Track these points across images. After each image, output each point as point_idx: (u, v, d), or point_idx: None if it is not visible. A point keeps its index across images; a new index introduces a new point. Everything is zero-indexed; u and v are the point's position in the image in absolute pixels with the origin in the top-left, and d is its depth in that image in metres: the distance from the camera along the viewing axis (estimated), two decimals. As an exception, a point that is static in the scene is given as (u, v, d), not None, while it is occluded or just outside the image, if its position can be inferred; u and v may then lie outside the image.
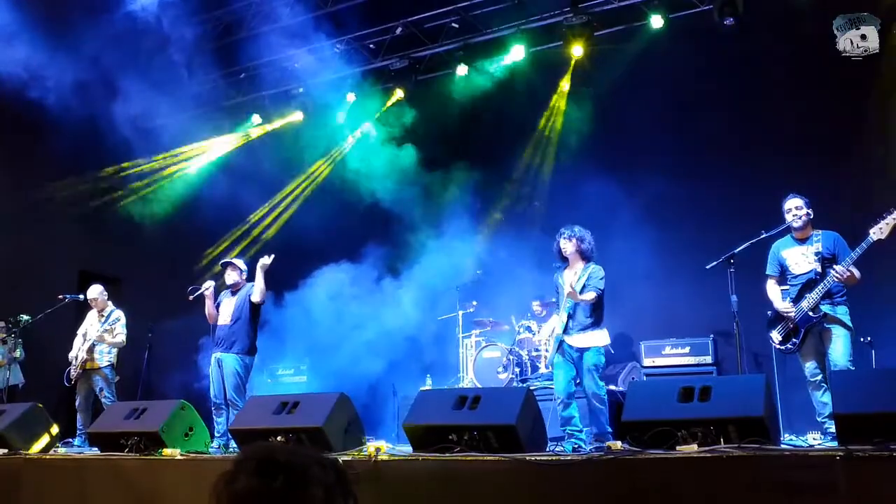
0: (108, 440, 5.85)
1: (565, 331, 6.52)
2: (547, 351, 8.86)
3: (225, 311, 7.68)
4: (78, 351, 8.34)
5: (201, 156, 11.99)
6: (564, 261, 6.85)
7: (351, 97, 11.28)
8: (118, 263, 11.07)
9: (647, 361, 8.69)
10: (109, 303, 8.61)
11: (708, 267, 6.23)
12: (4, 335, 9.88)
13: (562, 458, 4.20)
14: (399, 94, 11.06)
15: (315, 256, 10.73)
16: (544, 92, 10.57)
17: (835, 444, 4.19)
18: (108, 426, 6.00)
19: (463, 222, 10.39)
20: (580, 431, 6.33)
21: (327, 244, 10.83)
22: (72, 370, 8.28)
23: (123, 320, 8.50)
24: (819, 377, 5.88)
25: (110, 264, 11.01)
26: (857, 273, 5.78)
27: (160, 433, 5.48)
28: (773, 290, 6.27)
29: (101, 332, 8.28)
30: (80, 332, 8.54)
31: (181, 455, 5.33)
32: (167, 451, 5.35)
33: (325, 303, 10.41)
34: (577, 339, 6.46)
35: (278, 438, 4.96)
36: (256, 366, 8.03)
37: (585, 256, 6.74)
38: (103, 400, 8.15)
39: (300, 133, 11.87)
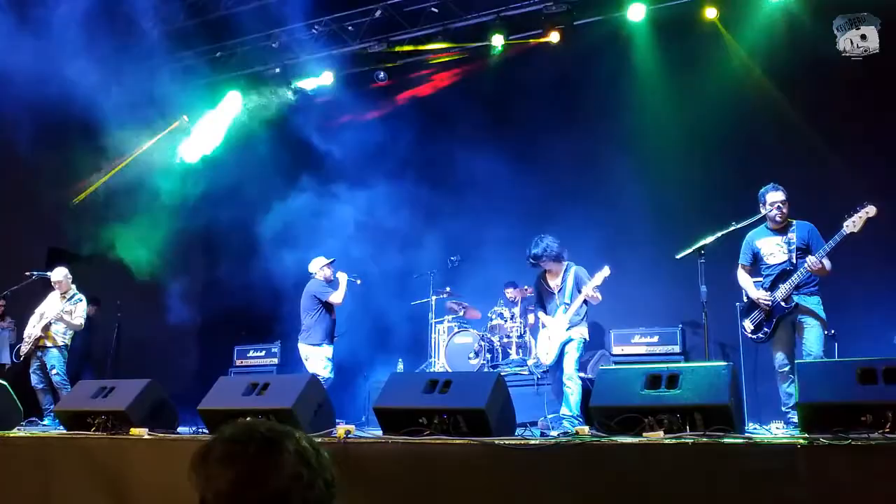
0: (75, 419, 5.79)
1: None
2: (520, 338, 8.92)
3: None
4: (32, 328, 8.35)
5: (176, 134, 11.83)
6: (543, 262, 7.15)
7: (328, 77, 11.19)
8: (89, 241, 10.91)
9: (616, 349, 8.74)
10: (73, 286, 8.63)
11: (678, 256, 6.27)
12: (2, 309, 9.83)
13: (530, 442, 4.23)
14: (381, 76, 10.98)
15: (285, 238, 10.64)
16: (522, 79, 10.54)
17: (797, 432, 4.26)
18: (75, 404, 5.94)
19: (438, 208, 10.37)
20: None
21: (296, 225, 10.75)
22: (23, 346, 8.34)
23: (85, 304, 8.57)
24: (787, 368, 5.97)
25: (81, 242, 10.86)
26: (828, 265, 5.87)
27: (127, 412, 5.44)
28: (744, 278, 6.38)
29: (61, 312, 8.29)
30: (39, 310, 8.56)
31: (149, 434, 5.29)
32: (135, 430, 5.31)
33: (298, 286, 10.37)
34: (571, 333, 6.99)
35: (247, 419, 4.94)
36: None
37: (564, 258, 7.18)
38: (53, 378, 8.22)
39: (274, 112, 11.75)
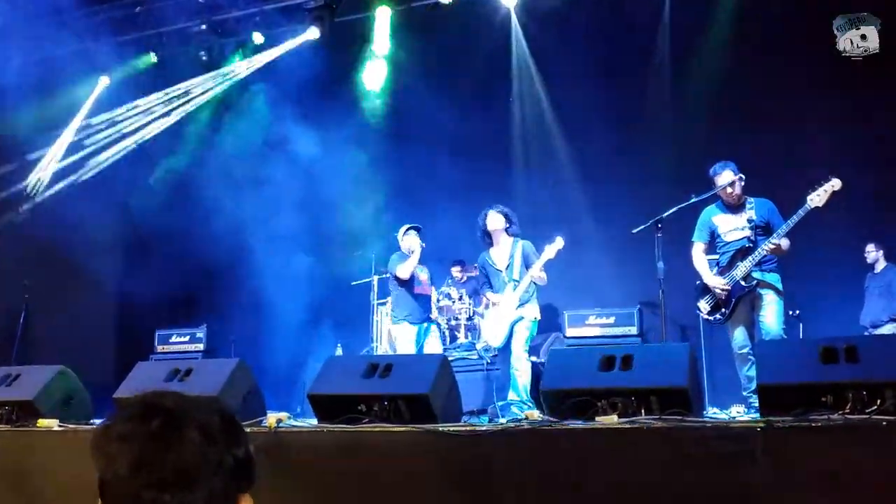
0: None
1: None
2: (469, 321, 8.92)
3: (424, 280, 8.11)
4: None
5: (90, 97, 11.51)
6: (488, 237, 7.09)
7: (258, 37, 10.99)
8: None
9: (570, 332, 8.76)
10: None
11: (634, 231, 6.29)
12: None
13: (476, 428, 4.23)
14: (314, 33, 10.75)
15: (215, 212, 10.46)
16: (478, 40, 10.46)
17: (757, 416, 4.35)
18: (-25, 395, 5.75)
19: (378, 184, 10.31)
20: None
21: (226, 198, 10.59)
22: None
23: None
24: (747, 349, 6.03)
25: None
26: (784, 244, 5.96)
27: (34, 402, 5.29)
28: (700, 259, 6.40)
29: None
30: None
31: (59, 426, 5.16)
32: (43, 422, 5.17)
33: (228, 264, 10.22)
34: (521, 312, 6.96)
35: (158, 391, 4.85)
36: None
37: (511, 233, 7.10)
38: None
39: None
